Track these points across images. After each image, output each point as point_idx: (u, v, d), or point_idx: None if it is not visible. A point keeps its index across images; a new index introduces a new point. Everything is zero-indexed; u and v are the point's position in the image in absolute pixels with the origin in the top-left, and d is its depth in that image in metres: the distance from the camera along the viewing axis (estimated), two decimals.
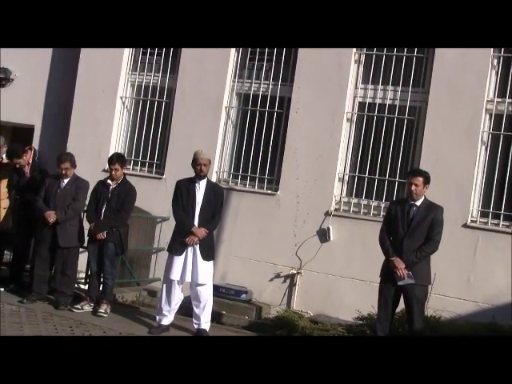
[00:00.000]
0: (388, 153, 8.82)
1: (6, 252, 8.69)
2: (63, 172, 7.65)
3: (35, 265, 7.78)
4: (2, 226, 8.12)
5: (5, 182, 8.17)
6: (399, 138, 8.80)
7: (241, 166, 9.54)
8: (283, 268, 8.96)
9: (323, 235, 8.84)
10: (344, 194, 9.00)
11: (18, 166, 8.17)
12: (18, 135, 10.35)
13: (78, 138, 10.16)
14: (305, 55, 9.05)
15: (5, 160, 8.27)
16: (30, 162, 8.24)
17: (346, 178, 9.01)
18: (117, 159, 7.70)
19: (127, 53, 10.26)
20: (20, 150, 8.24)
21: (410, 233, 6.39)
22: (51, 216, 7.49)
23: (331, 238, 8.79)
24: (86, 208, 7.89)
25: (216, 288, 8.13)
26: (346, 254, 8.72)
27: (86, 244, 7.90)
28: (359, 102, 9.05)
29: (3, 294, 7.89)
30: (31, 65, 11.07)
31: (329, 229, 8.80)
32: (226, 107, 9.61)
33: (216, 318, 7.99)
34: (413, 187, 6.42)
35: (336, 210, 8.88)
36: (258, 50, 9.49)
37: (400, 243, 6.40)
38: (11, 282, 8.20)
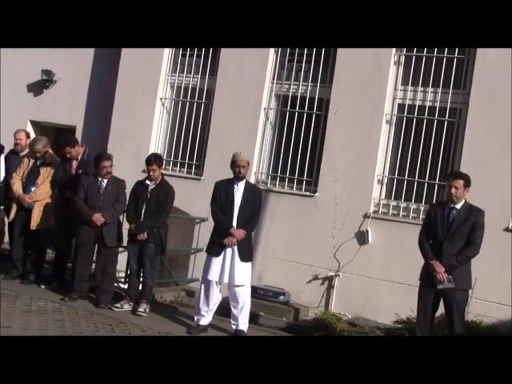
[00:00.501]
0: (428, 155, 8.74)
1: (48, 250, 8.84)
2: (107, 171, 7.73)
3: (76, 264, 7.88)
4: (45, 224, 8.25)
5: (48, 181, 8.30)
6: (439, 140, 8.71)
7: (279, 167, 9.55)
8: (321, 270, 8.95)
9: (362, 237, 8.80)
10: (383, 196, 8.95)
11: (68, 155, 8.25)
12: (61, 136, 10.48)
13: (118, 139, 10.29)
14: (344, 56, 9.02)
15: (49, 159, 8.39)
16: (79, 158, 8.34)
17: (385, 180, 8.96)
18: (154, 160, 7.76)
19: (167, 54, 10.35)
20: (74, 140, 8.34)
21: (449, 236, 6.31)
22: (99, 219, 7.59)
23: (370, 241, 8.75)
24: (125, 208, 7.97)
25: (254, 289, 8.15)
26: (385, 256, 8.66)
27: (124, 243, 7.99)
28: (399, 104, 8.99)
29: (46, 291, 8.04)
30: (73, 67, 11.24)
31: (367, 231, 8.76)
32: (264, 108, 9.63)
33: (254, 319, 8.01)
34: (453, 190, 6.34)
35: (375, 212, 8.82)
36: (297, 51, 9.50)
37: (439, 247, 6.33)
38: (53, 280, 8.34)
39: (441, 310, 6.50)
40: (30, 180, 8.29)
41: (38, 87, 11.55)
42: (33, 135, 11.31)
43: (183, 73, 10.31)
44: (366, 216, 8.81)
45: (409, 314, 7.36)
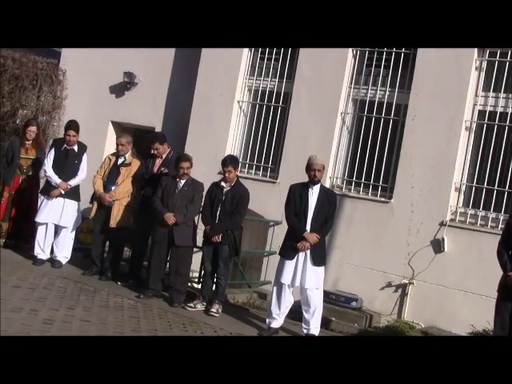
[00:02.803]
0: (509, 163, 8.52)
1: (126, 248, 9.06)
2: (184, 172, 7.86)
3: (152, 262, 8.04)
4: (123, 223, 8.46)
5: (128, 180, 8.51)
6: None
7: (355, 172, 9.49)
8: (395, 277, 8.84)
9: (437, 246, 8.65)
10: (460, 204, 8.77)
11: (155, 152, 8.44)
12: (140, 137, 10.74)
13: (195, 141, 10.45)
14: (423, 62, 8.90)
15: (128, 159, 8.60)
16: (164, 157, 8.52)
17: (463, 187, 8.78)
18: (230, 161, 7.83)
19: (245, 57, 10.44)
20: (163, 138, 8.55)
21: None
22: (171, 218, 7.71)
23: (445, 249, 8.59)
24: (200, 209, 8.08)
25: (326, 294, 8.13)
26: (461, 266, 8.48)
27: (199, 244, 8.11)
28: (479, 111, 8.79)
29: (123, 288, 8.24)
30: (154, 69, 11.48)
31: (443, 239, 8.60)
32: (341, 113, 9.60)
33: (325, 323, 7.99)
34: None
35: (451, 220, 8.66)
36: (375, 56, 9.42)
37: None
38: (130, 278, 8.54)
39: None
40: (111, 179, 8.52)
41: (120, 89, 11.86)
42: (113, 135, 11.67)
43: (261, 76, 10.39)
44: (442, 224, 8.65)
45: (485, 325, 7.20)
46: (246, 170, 10.18)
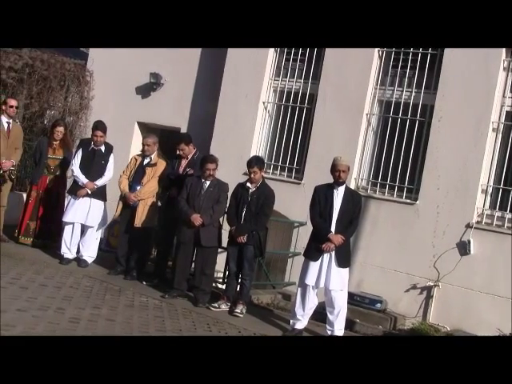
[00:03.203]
0: None
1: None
2: (210, 173, 7.88)
3: (177, 263, 8.08)
4: (148, 223, 8.51)
5: (153, 180, 8.56)
6: None
7: (380, 173, 9.44)
8: (420, 279, 8.78)
9: (463, 248, 8.58)
10: (487, 206, 8.69)
11: (180, 152, 8.50)
12: (165, 137, 10.80)
13: (220, 142, 10.48)
14: (450, 62, 8.83)
15: (154, 160, 8.65)
16: (189, 157, 8.57)
17: (490, 189, 8.70)
18: (256, 162, 7.85)
19: (271, 58, 10.45)
20: (189, 138, 8.58)
21: None
22: (198, 220, 7.74)
23: (472, 252, 8.51)
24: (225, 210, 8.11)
25: (351, 295, 8.11)
26: (488, 268, 8.41)
27: (224, 245, 8.13)
28: (506, 111, 8.70)
29: (148, 288, 8.30)
30: (180, 70, 11.53)
31: (469, 242, 8.52)
32: (366, 114, 9.56)
33: (349, 325, 7.97)
34: None
35: (478, 222, 8.58)
36: (401, 57, 9.38)
37: None
38: (155, 278, 8.59)
39: None
40: (136, 179, 8.59)
41: (146, 90, 11.93)
42: (139, 136, 11.76)
43: (286, 77, 10.39)
44: (468, 226, 8.58)
45: None
46: (271, 171, 10.18)
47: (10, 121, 9.34)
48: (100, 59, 12.20)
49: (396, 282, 8.91)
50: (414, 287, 8.84)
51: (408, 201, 9.08)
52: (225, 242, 8.05)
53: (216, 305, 7.80)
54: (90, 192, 8.71)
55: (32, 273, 7.84)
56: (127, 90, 12.05)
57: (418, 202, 8.97)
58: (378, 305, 8.71)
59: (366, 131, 9.59)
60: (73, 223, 8.78)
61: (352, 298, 8.38)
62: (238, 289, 7.94)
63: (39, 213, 9.30)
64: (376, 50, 9.48)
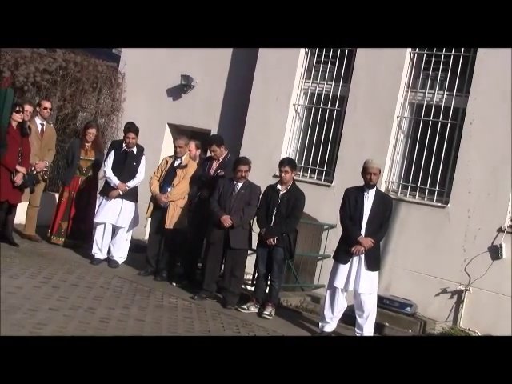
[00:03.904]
0: None
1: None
2: (242, 175, 7.91)
3: (206, 264, 8.12)
4: (179, 224, 8.56)
5: (184, 182, 8.62)
6: None
7: (411, 176, 9.38)
8: (450, 283, 8.70)
9: (495, 252, 8.48)
10: None
11: (212, 154, 8.55)
12: (196, 139, 10.84)
13: (250, 144, 10.50)
14: (483, 65, 8.74)
15: (185, 161, 8.70)
16: (221, 159, 8.61)
17: None
18: (288, 162, 7.88)
19: (302, 60, 10.44)
20: (221, 140, 8.62)
21: None
22: (227, 221, 7.78)
23: (503, 256, 8.41)
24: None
25: (380, 299, 8.07)
26: None
27: (254, 247, 8.15)
28: None
29: (177, 289, 8.35)
30: (211, 72, 11.58)
31: (501, 246, 8.42)
32: (397, 117, 9.51)
33: (378, 329, 7.92)
34: None
35: (510, 226, 8.47)
36: (433, 59, 9.31)
37: None
38: (184, 279, 8.64)
39: None
40: (167, 180, 8.65)
41: (177, 92, 12.00)
42: (170, 138, 11.84)
43: (317, 79, 10.37)
44: (500, 230, 8.48)
45: None
46: (301, 173, 10.17)
47: (44, 122, 9.48)
48: (132, 61, 12.32)
49: (426, 285, 8.84)
50: (445, 291, 8.76)
51: (439, 204, 9.00)
52: (255, 244, 8.06)
53: (245, 306, 7.82)
54: (121, 193, 8.79)
55: (64, 272, 7.95)
56: (158, 91, 12.14)
57: (448, 205, 8.89)
58: (408, 308, 8.65)
59: (396, 134, 9.54)
60: (104, 224, 8.87)
61: (381, 302, 8.33)
62: (267, 291, 7.95)
63: (71, 213, 9.41)
64: (408, 52, 9.42)
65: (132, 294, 7.67)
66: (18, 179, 8.38)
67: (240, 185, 7.94)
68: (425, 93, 9.40)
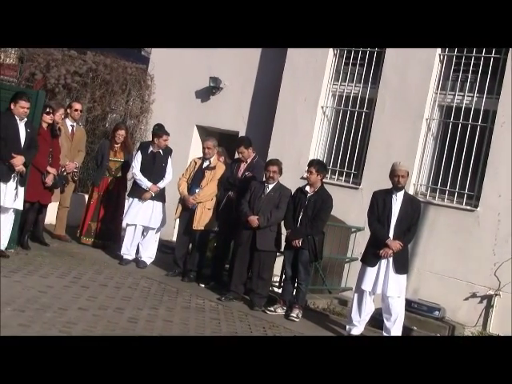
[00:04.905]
0: None
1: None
2: (270, 175, 7.92)
3: (234, 266, 8.14)
4: (206, 225, 8.60)
5: (212, 183, 8.65)
6: None
7: (439, 179, 9.31)
8: (480, 288, 8.60)
9: None
10: None
11: (240, 155, 8.57)
12: (224, 141, 10.89)
13: (278, 146, 10.50)
14: None
15: (213, 163, 8.73)
16: (249, 161, 8.62)
17: None
18: (316, 163, 7.89)
19: (330, 63, 10.41)
20: (249, 142, 8.64)
21: None
22: (254, 221, 7.80)
23: None
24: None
25: (408, 302, 8.02)
26: None
27: (282, 249, 8.15)
28: None
29: (205, 290, 8.39)
30: (239, 74, 11.61)
31: None
32: (426, 119, 9.43)
33: (406, 332, 7.86)
34: None
35: None
36: (463, 61, 9.22)
37: None
38: (212, 280, 8.67)
39: None
40: (195, 182, 8.69)
41: (206, 93, 12.05)
42: (198, 139, 11.90)
43: (345, 81, 10.34)
44: None
45: None
46: (329, 176, 10.14)
47: (74, 124, 9.60)
48: (161, 63, 12.40)
49: (455, 289, 8.74)
50: (474, 295, 8.66)
51: (468, 207, 8.91)
52: (283, 247, 8.06)
53: (272, 308, 7.83)
54: (153, 195, 8.86)
55: (93, 272, 8.03)
56: (187, 93, 12.21)
57: (478, 208, 8.80)
58: (436, 312, 8.57)
59: (425, 136, 9.47)
60: (135, 225, 8.94)
61: (409, 305, 8.28)
62: (295, 293, 7.95)
63: (100, 214, 9.51)
64: (437, 53, 9.35)
65: (160, 294, 7.72)
66: (49, 180, 8.49)
67: (270, 187, 7.96)
68: (454, 95, 9.32)
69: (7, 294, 6.24)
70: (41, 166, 8.38)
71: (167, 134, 8.93)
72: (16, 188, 7.70)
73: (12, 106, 7.65)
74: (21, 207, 7.93)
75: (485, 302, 8.57)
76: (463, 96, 9.24)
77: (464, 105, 9.20)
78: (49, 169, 8.49)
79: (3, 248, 7.89)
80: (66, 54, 11.34)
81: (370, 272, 7.09)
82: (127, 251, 9.00)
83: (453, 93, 9.34)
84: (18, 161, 7.63)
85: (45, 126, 8.48)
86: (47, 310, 6.00)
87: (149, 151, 9.00)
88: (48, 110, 8.48)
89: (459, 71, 9.31)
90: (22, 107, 7.63)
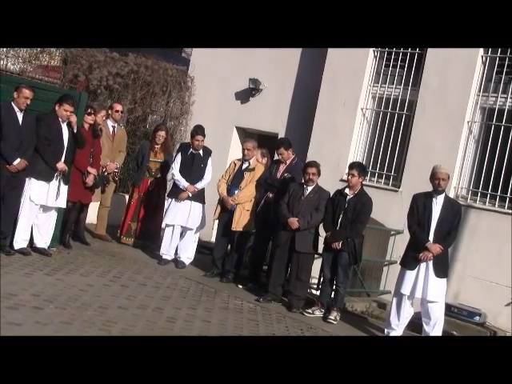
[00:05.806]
0: None
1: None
2: (310, 177, 7.91)
3: (272, 267, 8.15)
4: (245, 226, 8.61)
5: (251, 185, 8.67)
6: None
7: (481, 182, 9.18)
8: None
9: None
10: None
11: (279, 157, 8.61)
12: (263, 142, 10.90)
13: (317, 148, 10.47)
14: None
15: (252, 164, 8.74)
16: (288, 162, 8.61)
17: None
18: (356, 166, 7.85)
19: (370, 65, 10.36)
20: (289, 143, 8.63)
21: None
22: (294, 223, 7.80)
23: None
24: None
25: (448, 307, 7.92)
26: None
27: (320, 251, 8.13)
28: None
29: (243, 291, 8.41)
30: (279, 76, 11.62)
31: None
32: (468, 121, 9.32)
33: None
34: None
35: None
36: (506, 62, 9.08)
37: None
38: (250, 281, 8.69)
39: None
40: (235, 183, 8.72)
41: (245, 95, 12.09)
42: (238, 141, 11.95)
43: (385, 83, 10.27)
44: None
45: None
46: (369, 178, 10.08)
47: (115, 125, 9.71)
48: (201, 65, 12.48)
49: (496, 294, 8.62)
50: None
51: (510, 211, 8.77)
52: (321, 249, 8.04)
53: (310, 310, 7.82)
54: (190, 195, 8.92)
55: (132, 272, 8.12)
56: (227, 95, 12.26)
57: None
58: (477, 318, 8.46)
59: (467, 139, 9.35)
60: (173, 225, 9.01)
61: (449, 310, 8.18)
62: (333, 295, 7.92)
63: (140, 214, 9.60)
64: (479, 55, 9.23)
65: (198, 294, 7.77)
66: (90, 180, 8.61)
67: (309, 189, 7.95)
68: (497, 97, 9.19)
69: (49, 291, 6.37)
70: (82, 166, 8.50)
71: (201, 135, 8.95)
72: (59, 187, 7.82)
73: (56, 108, 7.78)
74: (64, 205, 8.07)
75: None
76: (506, 98, 9.11)
77: (507, 107, 9.06)
78: (89, 169, 8.62)
79: (46, 246, 8.04)
80: (108, 55, 11.48)
81: (409, 275, 7.03)
82: (166, 251, 9.07)
83: (495, 95, 9.22)
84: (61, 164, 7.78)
85: (86, 126, 8.60)
86: (88, 308, 6.09)
87: (188, 152, 9.06)
88: (90, 110, 8.60)
89: (502, 73, 9.17)
90: (65, 110, 7.75)
